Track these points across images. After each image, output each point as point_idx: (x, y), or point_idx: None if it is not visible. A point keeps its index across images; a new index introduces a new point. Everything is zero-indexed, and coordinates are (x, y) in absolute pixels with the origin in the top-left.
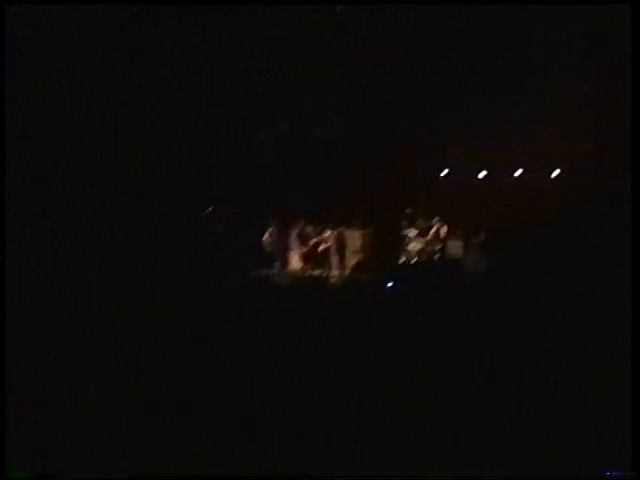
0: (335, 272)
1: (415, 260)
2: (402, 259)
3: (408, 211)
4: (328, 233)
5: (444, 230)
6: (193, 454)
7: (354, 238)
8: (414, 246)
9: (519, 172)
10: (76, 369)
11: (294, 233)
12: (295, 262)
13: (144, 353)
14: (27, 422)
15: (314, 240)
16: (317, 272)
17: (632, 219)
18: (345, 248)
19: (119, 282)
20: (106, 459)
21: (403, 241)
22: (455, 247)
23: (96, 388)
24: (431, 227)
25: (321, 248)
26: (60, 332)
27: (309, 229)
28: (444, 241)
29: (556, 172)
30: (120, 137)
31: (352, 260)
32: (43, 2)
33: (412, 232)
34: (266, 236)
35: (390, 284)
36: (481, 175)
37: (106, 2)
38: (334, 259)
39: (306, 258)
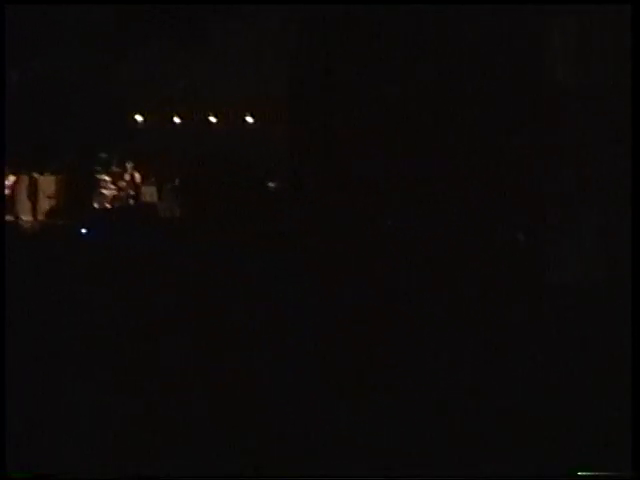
0: (27, 217)
1: (109, 205)
2: (96, 204)
3: (103, 156)
4: (17, 177)
5: (138, 176)
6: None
7: (47, 183)
8: (108, 192)
9: (214, 119)
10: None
11: None
12: None
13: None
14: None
15: (5, 183)
16: (8, 217)
17: (632, 218)
18: (37, 193)
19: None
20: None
21: (97, 186)
22: (149, 193)
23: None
24: (125, 172)
25: (13, 192)
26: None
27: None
28: (138, 187)
29: (249, 119)
30: None
31: (45, 205)
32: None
33: (106, 177)
34: None
35: (84, 230)
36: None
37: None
38: (26, 204)
39: None
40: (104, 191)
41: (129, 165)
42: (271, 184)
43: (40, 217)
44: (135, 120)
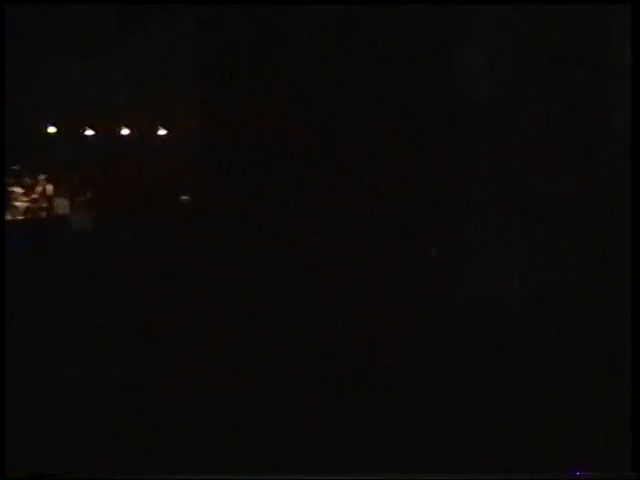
0: None
1: (22, 218)
2: (8, 217)
3: (15, 168)
4: None
5: (50, 188)
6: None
7: None
8: (20, 204)
9: (126, 131)
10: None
11: None
12: None
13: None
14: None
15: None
16: None
17: (632, 218)
18: None
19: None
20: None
21: (8, 199)
22: (62, 205)
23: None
24: (37, 185)
25: None
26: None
27: None
28: (50, 199)
29: (162, 131)
30: None
31: None
32: (43, 2)
33: (18, 189)
34: None
35: None
36: (88, 132)
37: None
38: None
39: None
40: (16, 203)
41: (41, 177)
42: (185, 196)
43: None
44: (47, 132)
